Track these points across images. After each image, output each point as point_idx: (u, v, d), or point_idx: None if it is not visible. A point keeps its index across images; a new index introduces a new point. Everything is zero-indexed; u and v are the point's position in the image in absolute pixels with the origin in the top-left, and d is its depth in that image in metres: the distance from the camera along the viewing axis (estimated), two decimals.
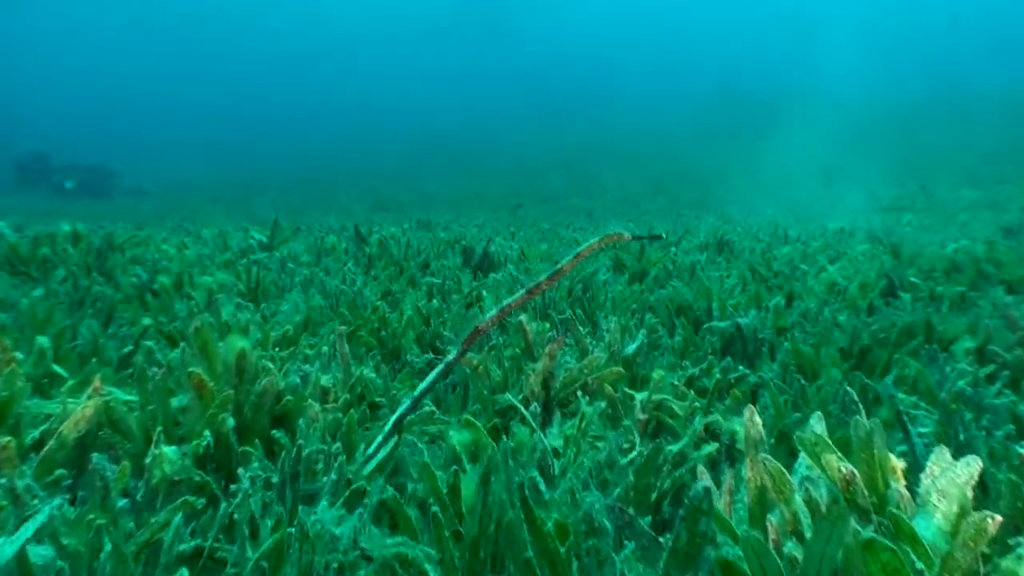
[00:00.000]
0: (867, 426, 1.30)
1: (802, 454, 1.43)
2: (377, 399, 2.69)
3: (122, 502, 1.61)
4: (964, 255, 6.45)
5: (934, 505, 1.20)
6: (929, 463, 1.29)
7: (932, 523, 1.18)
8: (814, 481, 1.34)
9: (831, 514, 1.11)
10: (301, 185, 26.90)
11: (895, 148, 24.96)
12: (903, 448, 2.19)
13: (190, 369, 1.98)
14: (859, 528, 1.19)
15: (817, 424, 1.51)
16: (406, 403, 2.13)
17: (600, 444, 2.23)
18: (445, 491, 1.41)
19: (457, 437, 1.80)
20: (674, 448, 2.04)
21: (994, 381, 2.85)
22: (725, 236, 8.07)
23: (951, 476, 1.22)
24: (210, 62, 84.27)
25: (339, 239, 7.59)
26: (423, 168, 31.18)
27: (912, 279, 5.33)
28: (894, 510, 1.18)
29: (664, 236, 3.81)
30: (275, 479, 1.54)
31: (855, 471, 1.25)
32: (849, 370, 3.25)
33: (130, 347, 3.10)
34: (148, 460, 1.61)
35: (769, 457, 1.40)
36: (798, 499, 1.31)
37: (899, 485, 1.27)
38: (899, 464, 1.29)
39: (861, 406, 1.57)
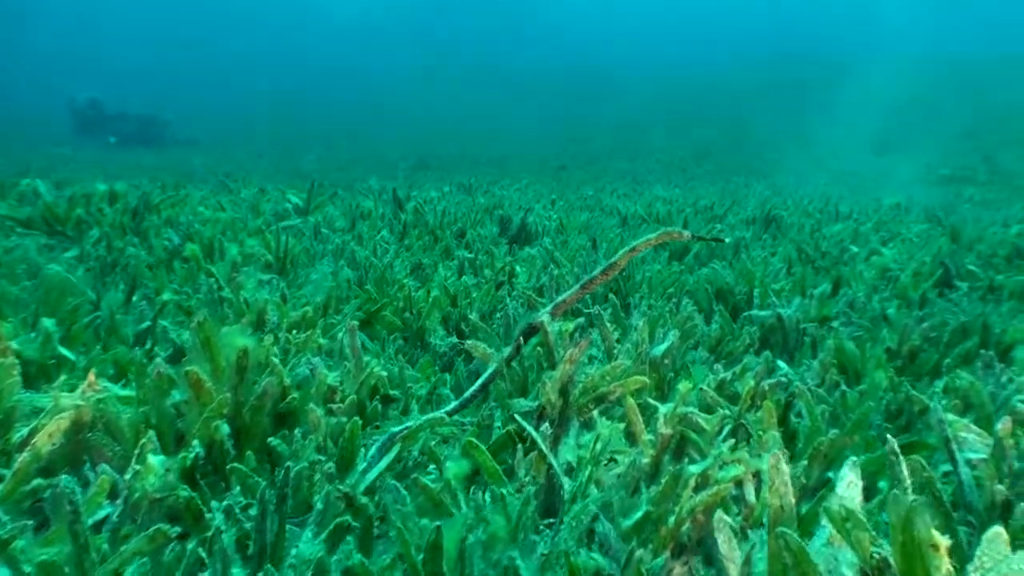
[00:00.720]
0: (907, 503, 1.14)
1: (828, 522, 1.29)
2: (392, 392, 2.59)
3: (104, 512, 1.54)
4: None
5: None
6: (979, 552, 1.13)
7: None
8: (839, 565, 1.19)
9: None
10: (349, 139, 26.92)
11: (958, 112, 23.79)
12: (949, 478, 2.01)
13: (187, 368, 1.90)
14: None
15: (851, 471, 1.35)
16: (415, 420, 2.06)
17: (618, 458, 2.10)
18: (421, 556, 1.30)
19: (453, 468, 1.69)
20: (696, 469, 1.90)
21: None
22: (773, 211, 7.75)
23: (1004, 570, 1.06)
24: (268, 12, 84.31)
25: (376, 204, 7.49)
26: (470, 128, 30.88)
27: (970, 267, 5.02)
28: None
29: (725, 241, 3.62)
30: (253, 511, 1.45)
31: (888, 558, 1.10)
32: (896, 374, 3.05)
33: (148, 323, 3.06)
34: (128, 476, 1.53)
35: (790, 534, 1.25)
36: None
37: (939, 574, 1.12)
38: (944, 543, 1.14)
39: (900, 460, 1.40)
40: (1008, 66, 33.83)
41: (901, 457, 1.42)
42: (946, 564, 1.11)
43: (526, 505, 1.51)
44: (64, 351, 2.46)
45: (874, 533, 1.18)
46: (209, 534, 1.37)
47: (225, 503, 1.49)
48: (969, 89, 28.88)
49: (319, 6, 79.61)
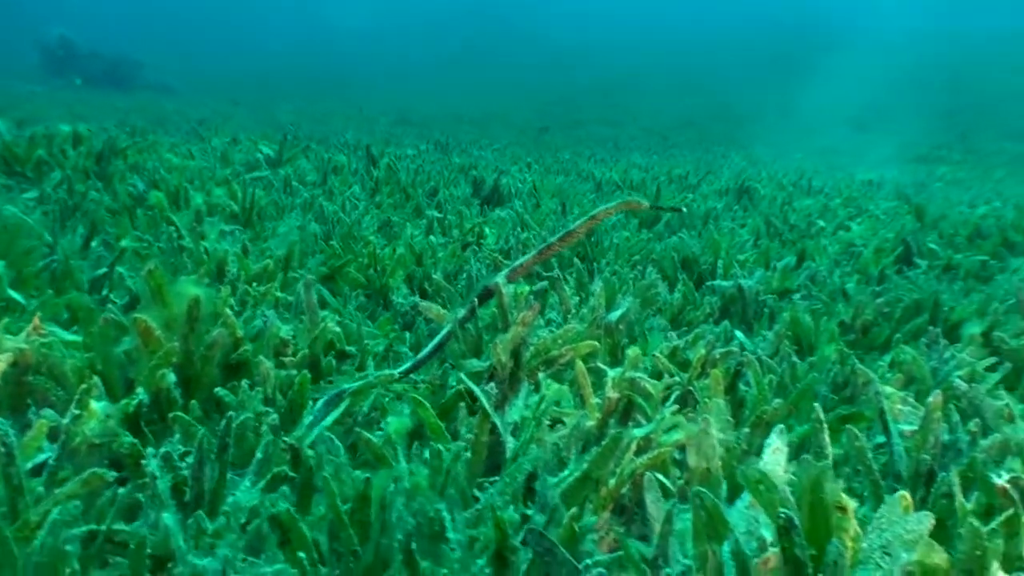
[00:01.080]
0: (816, 467, 1.18)
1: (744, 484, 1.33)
2: (347, 348, 2.60)
3: (43, 456, 1.55)
4: (991, 220, 6.18)
5: (876, 564, 1.10)
6: (878, 514, 1.18)
7: None
8: (759, 526, 1.23)
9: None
10: (328, 92, 26.46)
11: (940, 91, 23.93)
12: (884, 449, 2.08)
13: (136, 316, 1.89)
14: None
15: (778, 438, 1.40)
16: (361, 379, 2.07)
17: (566, 420, 2.14)
18: (348, 506, 1.32)
19: (395, 424, 1.71)
20: (639, 433, 1.95)
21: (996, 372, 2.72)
22: (747, 182, 7.79)
23: (899, 531, 1.11)
24: None
25: (350, 159, 7.41)
26: (453, 84, 30.47)
27: (931, 245, 5.11)
28: (831, 566, 1.08)
29: (683, 210, 3.64)
30: (189, 459, 1.46)
31: (794, 518, 1.14)
32: (847, 347, 3.12)
33: (105, 269, 3.03)
34: (66, 420, 1.53)
35: (706, 493, 1.29)
36: (726, 549, 1.21)
37: (846, 535, 1.16)
38: (851, 504, 1.18)
39: (823, 427, 1.44)
40: (992, 42, 33.94)
41: (824, 424, 1.47)
42: (853, 526, 1.16)
43: (456, 460, 1.54)
44: (13, 294, 2.43)
45: (789, 496, 1.23)
46: (143, 481, 1.39)
47: (163, 450, 1.50)
48: (952, 67, 28.98)
49: None
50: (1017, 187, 10.77)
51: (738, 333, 3.36)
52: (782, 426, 1.56)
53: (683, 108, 24.03)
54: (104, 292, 2.99)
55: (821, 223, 5.94)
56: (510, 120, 19.84)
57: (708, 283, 4.12)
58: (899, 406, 2.12)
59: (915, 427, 2.03)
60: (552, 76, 33.38)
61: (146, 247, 3.51)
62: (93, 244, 3.68)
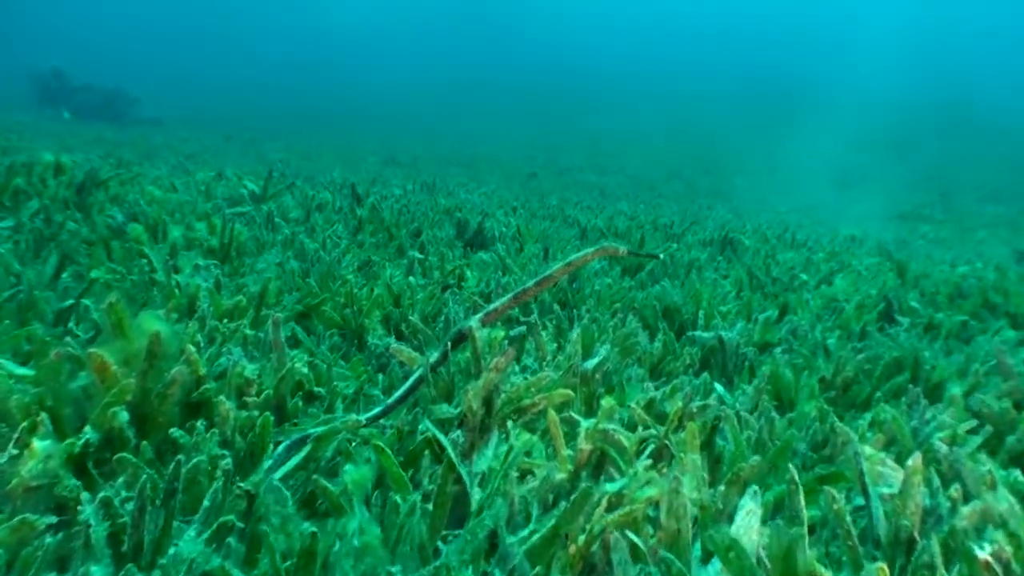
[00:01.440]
0: (789, 534, 1.12)
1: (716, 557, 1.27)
2: (316, 389, 2.53)
3: None
4: (972, 280, 6.21)
5: None
6: None
7: None
8: None
9: None
10: (319, 130, 26.60)
11: (921, 154, 24.43)
12: (863, 512, 2.01)
13: (91, 350, 1.82)
14: None
15: (751, 500, 1.33)
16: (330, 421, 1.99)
17: (536, 472, 2.07)
18: (288, 563, 1.24)
19: (353, 474, 1.63)
20: (611, 488, 1.88)
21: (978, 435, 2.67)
22: (731, 234, 7.82)
23: None
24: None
25: (335, 197, 7.39)
26: (444, 127, 30.77)
27: (913, 303, 5.11)
28: None
29: (660, 257, 3.61)
30: (131, 505, 1.38)
31: None
32: (828, 404, 3.07)
33: (72, 301, 2.95)
34: (2, 460, 1.45)
35: (672, 559, 1.23)
36: None
37: None
38: (825, 574, 1.12)
39: (799, 490, 1.39)
40: (974, 116, 34.84)
41: (800, 486, 1.41)
42: None
43: (411, 513, 1.47)
44: None
45: (760, 564, 1.16)
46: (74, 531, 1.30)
47: (101, 494, 1.42)
48: (933, 129, 29.65)
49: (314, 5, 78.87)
50: (998, 248, 10.91)
51: (717, 386, 3.31)
52: (756, 488, 1.50)
53: (671, 159, 24.33)
54: (69, 325, 2.91)
55: (804, 276, 5.95)
56: (499, 164, 19.97)
57: (689, 333, 4.08)
58: (879, 468, 2.06)
59: (895, 490, 1.97)
60: (541, 124, 33.82)
61: (118, 279, 3.43)
62: (64, 275, 3.60)
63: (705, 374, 3.42)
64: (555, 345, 3.32)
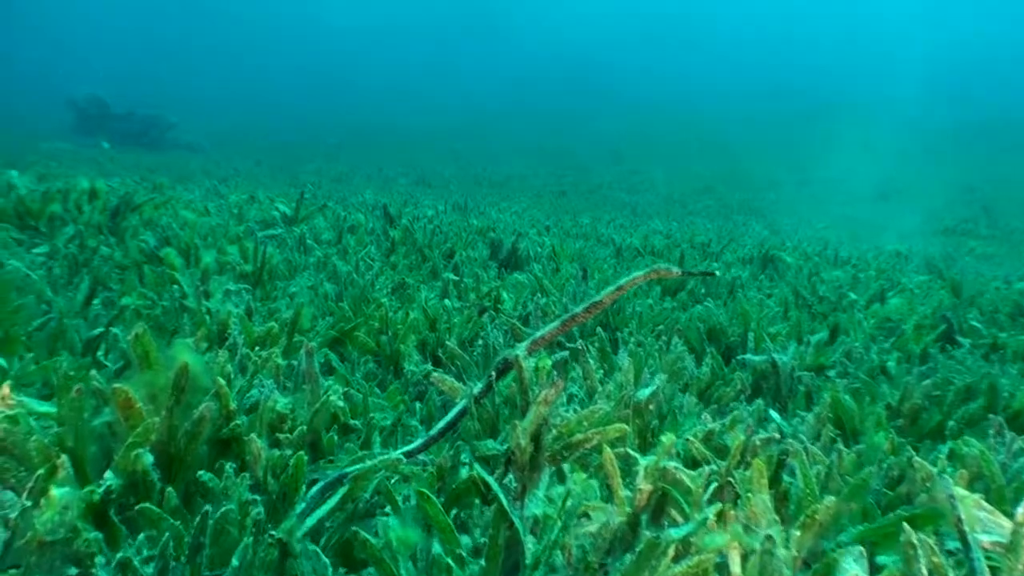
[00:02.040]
0: None
1: None
2: (351, 421, 2.38)
3: None
4: None
5: None
6: None
7: None
8: None
9: None
10: (351, 153, 26.79)
11: (961, 169, 23.85)
12: (954, 558, 1.81)
13: (116, 385, 1.70)
14: None
15: (855, 565, 1.16)
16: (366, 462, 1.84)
17: (592, 515, 1.89)
18: None
19: (397, 531, 1.47)
20: (676, 535, 1.70)
21: None
22: (771, 251, 7.59)
23: None
24: (284, 25, 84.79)
25: (367, 217, 7.31)
26: (470, 147, 30.83)
27: (973, 323, 4.85)
28: None
29: (717, 274, 3.45)
30: (151, 568, 1.24)
31: None
32: (896, 434, 2.85)
33: (101, 329, 2.85)
34: (14, 514, 1.32)
35: None
36: None
37: None
38: None
39: (919, 554, 1.20)
40: (1009, 120, 34.08)
41: (920, 551, 1.22)
42: None
43: None
44: None
45: None
46: None
47: (120, 554, 1.28)
48: (975, 148, 28.99)
49: (337, 23, 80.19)
50: None
51: (774, 414, 3.11)
52: (860, 549, 1.32)
53: (700, 174, 24.05)
54: (99, 354, 2.81)
55: (852, 296, 5.70)
56: (528, 183, 19.88)
57: (738, 357, 3.88)
58: (974, 511, 1.86)
59: (997, 538, 1.76)
60: (567, 141, 33.75)
61: (149, 306, 3.34)
62: (95, 302, 3.52)
63: (759, 401, 3.23)
64: (600, 371, 3.15)
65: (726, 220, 13.83)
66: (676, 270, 2.80)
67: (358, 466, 1.86)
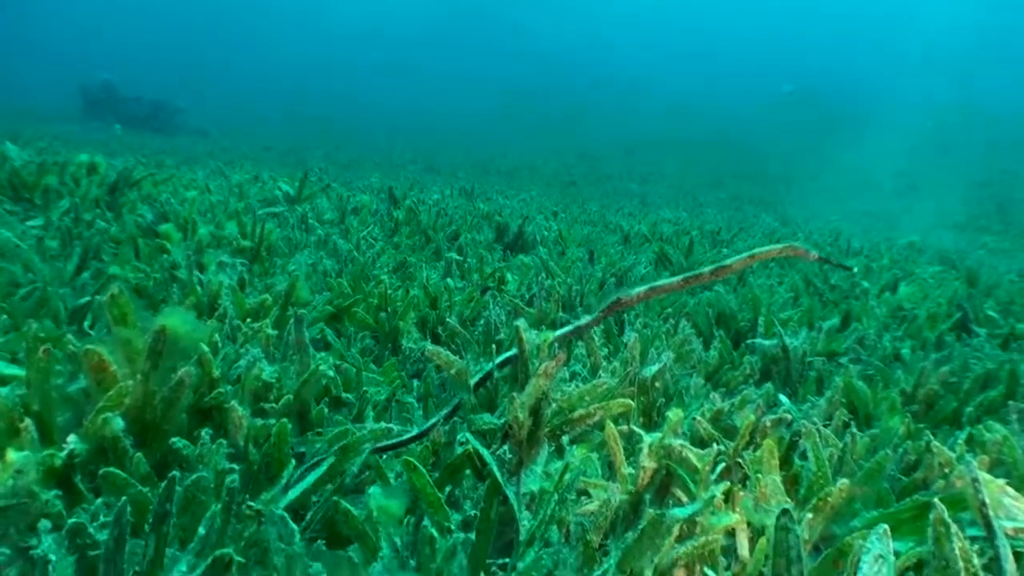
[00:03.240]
0: None
1: None
2: (344, 395, 2.28)
3: None
4: None
5: None
6: None
7: None
8: None
9: None
10: (360, 140, 26.65)
11: (975, 165, 23.54)
12: (983, 546, 1.69)
13: (88, 347, 1.60)
14: None
15: (879, 543, 1.05)
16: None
17: (593, 493, 1.79)
18: None
19: (379, 501, 1.36)
20: (681, 514, 1.59)
21: None
22: (782, 240, 7.45)
23: None
24: (299, 17, 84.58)
25: (372, 199, 7.20)
26: (481, 138, 30.65)
27: (990, 312, 4.71)
28: None
29: (854, 270, 3.36)
30: (101, 535, 1.14)
31: None
32: (911, 420, 2.74)
33: (87, 298, 2.76)
34: None
35: None
36: None
37: None
38: None
39: (952, 536, 1.09)
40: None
41: (954, 533, 1.11)
42: None
43: (451, 556, 1.20)
44: None
45: None
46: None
47: (72, 520, 1.18)
48: (984, 138, 28.61)
49: (351, 17, 79.92)
50: None
51: (782, 397, 3.00)
52: (884, 526, 1.21)
53: (711, 168, 23.84)
54: (85, 325, 2.72)
55: (865, 284, 5.57)
56: (537, 173, 19.71)
57: (748, 341, 3.77)
58: (998, 496, 1.75)
59: (1020, 524, 1.65)
60: (578, 133, 33.52)
61: (142, 278, 3.24)
62: (85, 273, 3.42)
63: (768, 384, 3.12)
64: (605, 350, 3.05)
65: (736, 211, 13.67)
66: (814, 253, 2.71)
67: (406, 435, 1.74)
